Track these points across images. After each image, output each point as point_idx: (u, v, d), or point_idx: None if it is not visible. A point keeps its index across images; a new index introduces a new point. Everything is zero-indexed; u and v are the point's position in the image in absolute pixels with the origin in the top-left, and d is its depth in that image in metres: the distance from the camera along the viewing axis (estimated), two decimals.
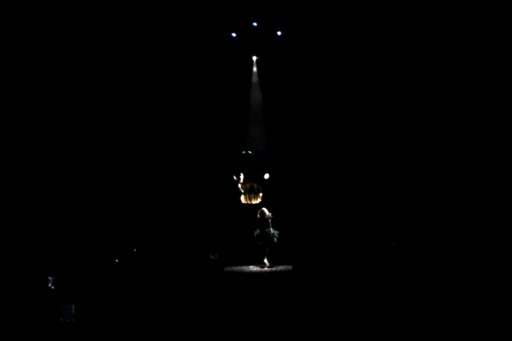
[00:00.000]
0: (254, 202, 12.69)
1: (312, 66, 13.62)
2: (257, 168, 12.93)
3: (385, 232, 11.78)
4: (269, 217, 11.98)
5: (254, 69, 14.08)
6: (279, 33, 13.69)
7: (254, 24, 13.60)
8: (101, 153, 12.83)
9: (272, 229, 11.95)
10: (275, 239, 11.90)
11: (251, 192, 12.68)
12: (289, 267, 11.47)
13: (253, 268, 11.70)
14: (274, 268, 11.53)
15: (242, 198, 12.76)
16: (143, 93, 13.45)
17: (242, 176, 12.78)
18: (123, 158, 13.09)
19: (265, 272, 11.26)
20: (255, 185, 12.75)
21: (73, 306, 6.30)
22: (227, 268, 11.53)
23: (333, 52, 13.43)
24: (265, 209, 12.12)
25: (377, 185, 12.91)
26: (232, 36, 13.75)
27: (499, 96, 11.37)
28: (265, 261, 11.89)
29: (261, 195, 12.79)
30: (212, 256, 11.43)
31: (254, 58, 14.18)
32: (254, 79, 14.05)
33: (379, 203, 12.69)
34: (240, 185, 12.75)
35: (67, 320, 6.22)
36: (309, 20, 13.24)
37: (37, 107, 12.02)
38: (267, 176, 12.86)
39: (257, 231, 12.02)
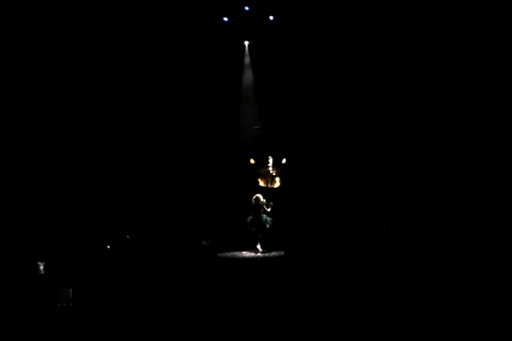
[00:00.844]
0: (274, 186, 12.81)
1: (304, 51, 13.52)
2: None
3: (376, 218, 11.82)
4: (264, 204, 11.94)
5: (246, 53, 13.98)
6: (271, 17, 13.58)
7: (246, 8, 13.43)
8: (91, 140, 12.70)
9: (264, 215, 11.91)
10: (267, 225, 11.88)
11: (270, 176, 12.82)
12: (282, 253, 11.46)
13: (246, 254, 11.69)
14: (266, 254, 11.53)
15: (261, 182, 12.89)
16: (136, 78, 13.33)
17: (270, 159, 12.87)
18: (115, 145, 12.97)
19: (258, 258, 11.26)
20: (273, 170, 12.97)
21: (71, 290, 6.24)
22: (220, 254, 11.52)
23: (324, 37, 13.34)
24: (260, 196, 12.04)
25: (369, 172, 12.94)
26: (224, 20, 13.59)
27: (494, 88, 11.40)
28: (258, 246, 11.88)
29: (278, 179, 12.88)
30: (205, 242, 11.39)
31: (246, 43, 14.07)
32: (247, 63, 13.96)
33: (371, 190, 12.72)
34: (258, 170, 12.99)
35: (65, 305, 6.16)
36: (301, 4, 13.12)
37: (36, 107, 11.89)
38: (284, 161, 13.12)
39: (250, 218, 11.97)
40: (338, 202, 12.88)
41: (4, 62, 11.34)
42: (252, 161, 13.24)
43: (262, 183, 12.92)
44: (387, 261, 9.36)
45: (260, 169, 13.13)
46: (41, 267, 7.70)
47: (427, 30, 12.35)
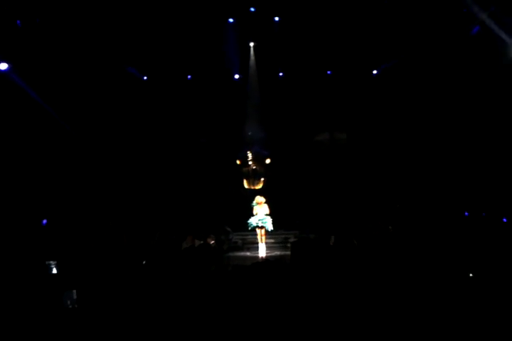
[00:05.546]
0: (256, 187, 12.79)
1: (309, 51, 13.53)
2: (261, 152, 13.03)
3: (382, 217, 11.86)
4: (253, 205, 11.94)
5: (252, 54, 14.01)
6: (276, 18, 13.58)
7: (252, 9, 13.44)
8: (99, 136, 12.86)
9: (264, 216, 11.88)
10: (268, 226, 11.86)
11: (254, 176, 12.80)
12: (287, 253, 11.48)
13: (249, 254, 11.75)
14: (270, 254, 11.57)
15: (245, 183, 12.90)
16: (141, 79, 13.43)
17: (250, 154, 12.84)
18: (122, 143, 13.14)
19: (262, 257, 11.31)
20: (258, 168, 12.80)
21: (75, 291, 6.31)
22: (224, 254, 11.58)
23: (330, 38, 13.35)
24: (259, 197, 12.02)
25: (374, 171, 13.01)
26: (230, 21, 13.61)
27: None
28: (261, 246, 11.87)
29: (262, 179, 12.85)
30: (212, 243, 11.45)
31: (252, 44, 14.10)
32: (252, 64, 13.99)
33: (377, 189, 12.78)
34: (243, 169, 12.91)
35: (70, 306, 6.23)
36: (307, 5, 13.11)
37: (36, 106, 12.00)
38: (268, 161, 13.07)
39: (251, 219, 11.95)
40: (346, 201, 12.95)
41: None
42: (238, 162, 13.24)
43: (245, 184, 12.97)
44: (393, 259, 9.37)
45: (244, 168, 13.18)
46: (52, 266, 7.74)
47: (431, 33, 12.37)
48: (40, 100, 11.81)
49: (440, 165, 12.20)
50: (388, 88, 13.23)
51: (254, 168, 12.95)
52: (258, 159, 13.12)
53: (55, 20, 11.68)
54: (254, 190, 12.79)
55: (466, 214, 11.28)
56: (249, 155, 13.05)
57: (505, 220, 10.61)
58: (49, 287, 6.84)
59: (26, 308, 6.09)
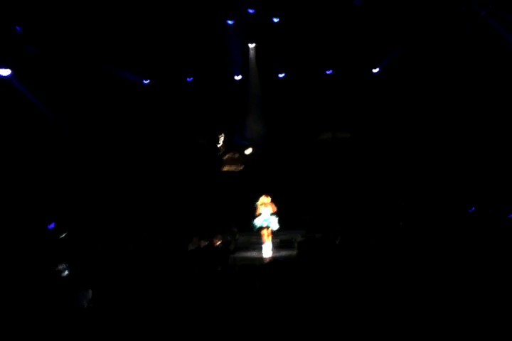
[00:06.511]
0: (232, 169, 12.97)
1: (310, 51, 13.59)
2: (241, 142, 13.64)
3: (393, 214, 11.87)
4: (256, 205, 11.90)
5: (252, 55, 14.04)
6: (275, 19, 13.63)
7: (251, 11, 13.47)
8: (96, 132, 12.87)
9: (270, 215, 11.82)
10: (273, 226, 11.80)
11: (232, 161, 13.02)
12: (293, 253, 11.43)
13: (255, 254, 11.70)
14: (276, 254, 11.53)
15: (224, 167, 13.21)
16: (141, 76, 13.43)
17: (222, 136, 13.23)
18: (126, 146, 13.15)
19: (268, 258, 11.27)
20: (236, 155, 13.32)
21: (90, 291, 6.29)
22: (231, 255, 11.53)
23: (330, 37, 13.41)
24: (264, 198, 11.96)
25: (379, 169, 13.06)
26: (229, 23, 13.64)
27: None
28: (266, 247, 11.82)
29: (242, 165, 13.28)
30: (219, 243, 11.42)
31: (251, 46, 14.13)
32: (252, 65, 14.02)
33: (383, 187, 12.82)
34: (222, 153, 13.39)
35: (85, 306, 6.21)
36: (306, 6, 13.17)
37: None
38: (249, 151, 13.51)
39: (256, 222, 11.90)
40: (355, 198, 12.98)
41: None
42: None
43: (225, 168, 13.21)
44: (403, 255, 9.36)
45: (224, 156, 13.44)
46: (64, 269, 7.70)
47: (430, 29, 12.45)
48: (41, 105, 11.84)
49: (445, 162, 12.24)
50: (390, 87, 13.29)
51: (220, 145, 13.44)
52: (238, 149, 13.67)
53: (54, 26, 11.72)
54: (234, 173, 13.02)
55: (472, 209, 11.32)
56: (221, 138, 13.21)
57: (511, 216, 10.65)
58: (62, 288, 6.84)
59: (38, 310, 6.08)
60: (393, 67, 13.23)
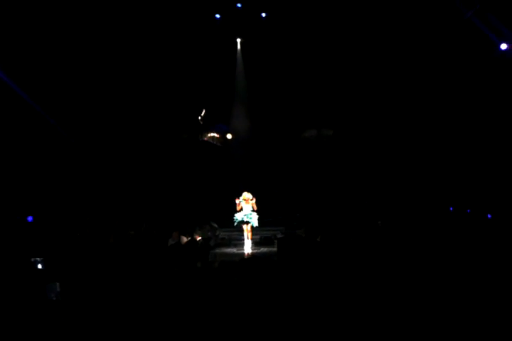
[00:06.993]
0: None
1: (296, 47, 13.54)
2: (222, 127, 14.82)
3: (372, 213, 11.89)
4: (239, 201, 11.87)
5: (239, 50, 13.99)
6: (263, 14, 13.56)
7: (239, 5, 13.40)
8: (87, 126, 12.78)
9: (250, 212, 11.81)
10: (253, 222, 11.79)
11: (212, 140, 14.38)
12: (273, 249, 11.42)
13: (236, 250, 11.67)
14: (256, 250, 11.51)
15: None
16: (131, 72, 13.35)
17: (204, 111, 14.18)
18: (109, 139, 13.05)
19: (248, 254, 11.24)
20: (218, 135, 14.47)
21: (58, 284, 6.22)
22: (211, 251, 11.49)
23: (316, 34, 13.37)
24: (246, 194, 11.93)
25: (362, 167, 13.06)
26: (216, 17, 13.56)
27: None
28: (247, 243, 11.81)
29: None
30: (199, 239, 11.36)
31: (239, 40, 14.06)
32: (239, 60, 13.97)
33: (365, 185, 12.82)
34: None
35: (54, 298, 6.14)
36: (294, 1, 13.12)
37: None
38: (229, 136, 14.66)
39: (237, 216, 11.88)
40: (334, 197, 12.97)
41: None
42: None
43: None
44: (383, 253, 9.37)
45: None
46: (38, 262, 7.62)
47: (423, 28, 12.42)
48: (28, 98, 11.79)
49: (427, 161, 12.26)
50: (376, 84, 13.26)
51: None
52: (220, 133, 14.94)
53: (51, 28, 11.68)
54: None
55: (451, 209, 11.37)
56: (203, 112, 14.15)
57: (489, 216, 10.70)
58: (33, 281, 6.76)
59: (10, 301, 6.01)
60: (378, 65, 13.18)
